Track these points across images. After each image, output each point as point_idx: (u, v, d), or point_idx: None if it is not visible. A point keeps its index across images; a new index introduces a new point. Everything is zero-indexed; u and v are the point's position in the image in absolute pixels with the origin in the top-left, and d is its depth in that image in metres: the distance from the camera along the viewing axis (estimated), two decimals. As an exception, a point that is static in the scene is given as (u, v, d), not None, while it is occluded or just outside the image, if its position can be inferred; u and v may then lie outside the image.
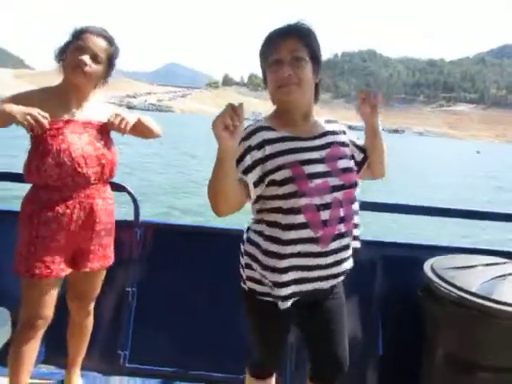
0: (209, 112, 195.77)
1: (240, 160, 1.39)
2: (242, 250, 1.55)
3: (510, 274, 1.86)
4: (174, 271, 2.28)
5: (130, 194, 2.17)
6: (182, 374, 2.18)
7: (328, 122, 1.59)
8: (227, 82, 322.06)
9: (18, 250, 1.73)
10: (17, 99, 1.70)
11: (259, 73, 1.55)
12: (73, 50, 1.71)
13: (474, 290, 1.74)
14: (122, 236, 2.06)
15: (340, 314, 1.59)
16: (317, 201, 1.40)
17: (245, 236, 1.56)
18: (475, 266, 1.95)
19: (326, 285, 1.48)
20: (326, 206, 1.40)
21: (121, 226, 2.01)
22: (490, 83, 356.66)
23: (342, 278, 1.54)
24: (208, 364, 2.19)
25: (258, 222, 1.51)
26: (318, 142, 1.48)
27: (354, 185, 1.49)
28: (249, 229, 1.56)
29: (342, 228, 1.44)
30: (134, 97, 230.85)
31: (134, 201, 2.20)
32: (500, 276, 1.85)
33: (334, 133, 1.54)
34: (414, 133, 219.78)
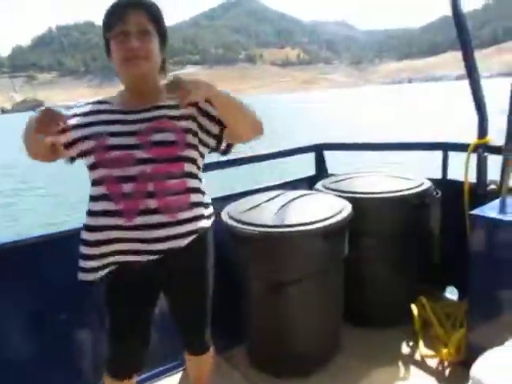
0: None
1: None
2: None
3: (288, 202, 2.18)
4: None
5: None
6: None
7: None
8: None
9: None
10: None
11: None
12: None
13: (270, 223, 1.98)
14: None
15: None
16: (117, 172, 1.36)
17: None
18: (260, 203, 2.21)
19: (143, 259, 1.42)
20: (130, 179, 1.35)
21: None
22: (208, 44, 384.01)
23: (161, 255, 1.42)
24: None
25: None
26: (141, 116, 1.42)
27: (172, 159, 1.39)
28: None
29: (151, 203, 1.36)
30: None
31: None
32: (282, 206, 2.13)
33: (169, 107, 1.44)
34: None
